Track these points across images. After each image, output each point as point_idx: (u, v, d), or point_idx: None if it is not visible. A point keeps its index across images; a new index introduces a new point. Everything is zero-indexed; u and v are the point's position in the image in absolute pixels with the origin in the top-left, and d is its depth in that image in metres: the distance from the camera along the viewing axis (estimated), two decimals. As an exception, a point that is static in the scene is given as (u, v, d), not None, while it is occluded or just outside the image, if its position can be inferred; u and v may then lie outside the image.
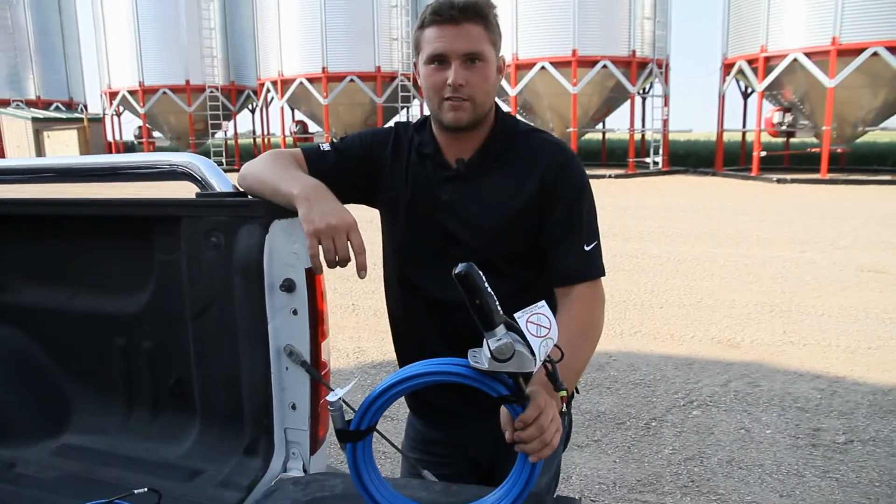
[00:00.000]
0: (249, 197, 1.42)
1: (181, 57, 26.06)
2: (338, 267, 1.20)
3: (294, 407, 1.45)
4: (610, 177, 19.66)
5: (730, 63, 19.73)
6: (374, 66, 22.91)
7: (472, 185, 1.42)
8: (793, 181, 17.25)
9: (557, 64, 19.61)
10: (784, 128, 19.53)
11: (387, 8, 22.95)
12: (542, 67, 19.76)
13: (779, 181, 17.36)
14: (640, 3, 19.92)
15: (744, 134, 22.29)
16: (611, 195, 15.27)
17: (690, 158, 23.86)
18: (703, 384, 4.26)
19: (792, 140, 21.59)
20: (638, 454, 3.36)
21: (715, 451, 3.38)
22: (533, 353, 0.99)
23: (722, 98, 20.62)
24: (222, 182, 1.49)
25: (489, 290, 0.99)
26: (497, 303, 0.99)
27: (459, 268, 0.97)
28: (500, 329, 0.98)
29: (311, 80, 22.86)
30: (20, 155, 27.61)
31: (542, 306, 1.03)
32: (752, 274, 7.25)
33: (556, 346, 1.03)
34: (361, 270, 1.20)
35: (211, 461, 1.47)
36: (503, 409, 1.07)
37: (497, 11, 1.39)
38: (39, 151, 27.45)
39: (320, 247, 1.18)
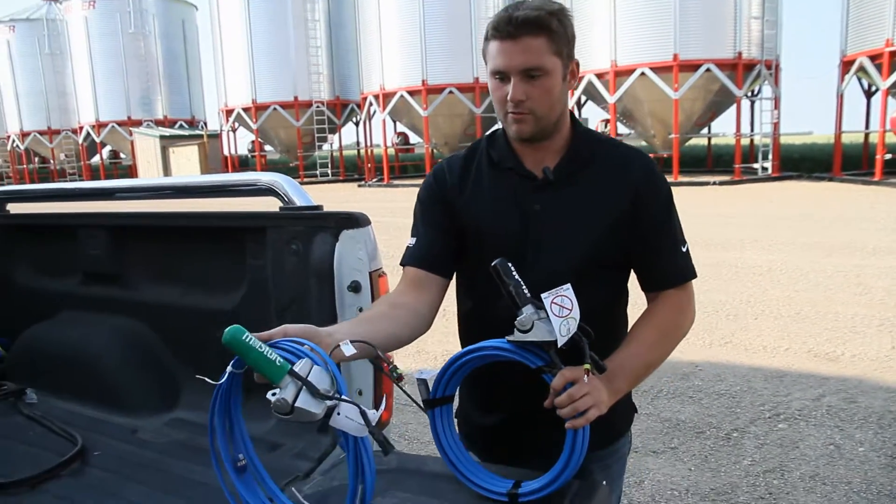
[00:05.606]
0: (323, 209, 1.65)
1: (290, 75, 27.66)
2: None
3: (360, 392, 1.66)
4: (714, 183, 18.90)
5: (849, 60, 18.47)
6: (473, 77, 23.26)
7: (563, 192, 1.39)
8: (921, 186, 15.92)
9: (658, 69, 19.12)
10: (912, 128, 18.03)
11: (484, 20, 23.07)
12: (642, 73, 19.35)
13: (905, 186, 16.07)
14: (746, 3, 19.03)
15: (866, 135, 20.74)
16: (713, 203, 14.73)
17: (806, 163, 22.47)
18: (793, 397, 4.13)
19: (922, 141, 19.89)
20: (715, 463, 3.34)
21: (798, 465, 3.30)
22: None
23: (840, 98, 19.33)
24: (301, 197, 1.73)
25: (517, 277, 1.19)
26: (524, 287, 1.18)
27: (495, 262, 1.19)
28: (528, 308, 1.16)
29: (411, 93, 23.54)
30: (150, 169, 30.23)
31: (566, 289, 1.17)
32: (863, 285, 6.84)
33: (583, 325, 1.17)
34: None
35: (290, 436, 1.71)
36: None
37: (567, 14, 1.33)
38: (166, 166, 29.93)
39: None
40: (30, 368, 2.42)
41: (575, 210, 1.39)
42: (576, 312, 1.16)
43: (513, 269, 1.19)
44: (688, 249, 1.44)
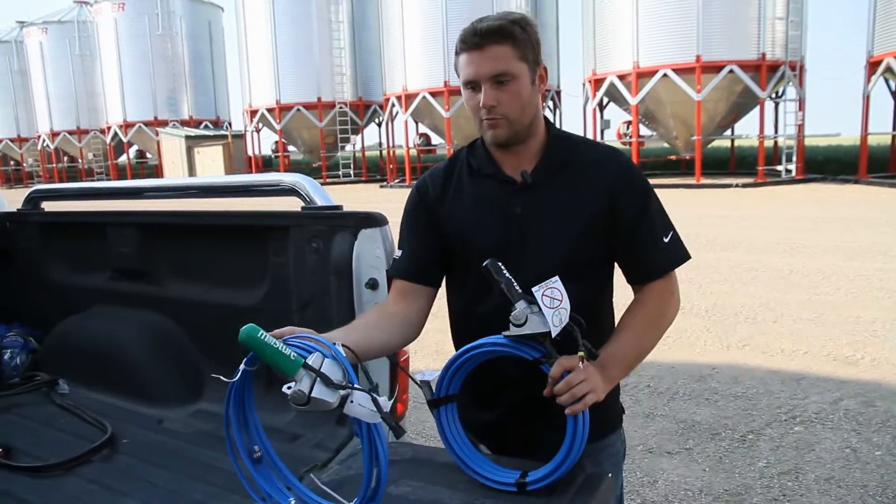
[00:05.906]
0: (343, 209, 1.72)
1: (314, 76, 27.93)
2: None
3: (377, 387, 1.72)
4: (737, 186, 18.71)
5: (876, 61, 18.18)
6: (493, 78, 23.27)
7: (542, 194, 1.44)
8: (951, 189, 15.62)
9: (681, 70, 18.99)
10: (941, 130, 17.70)
11: (506, 21, 23.27)
12: (665, 75, 19.23)
13: (933, 189, 15.78)
14: (770, 3, 18.82)
15: (894, 137, 20.40)
16: (736, 206, 14.60)
17: (831, 165, 22.13)
18: (810, 400, 4.12)
19: (952, 144, 19.49)
20: (729, 465, 3.35)
21: (814, 467, 3.30)
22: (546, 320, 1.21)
23: (867, 99, 19.03)
24: (322, 197, 1.80)
25: (508, 275, 1.26)
26: (516, 285, 1.26)
27: (486, 262, 1.27)
28: (520, 303, 1.23)
29: (433, 94, 23.63)
30: (175, 169, 30.70)
31: (555, 281, 1.24)
32: (885, 289, 6.76)
33: (574, 315, 1.23)
34: None
35: (309, 428, 1.78)
36: None
37: (529, 22, 1.41)
38: (191, 165, 30.36)
39: None
40: (62, 360, 2.53)
41: (554, 211, 1.44)
42: (566, 303, 1.23)
43: (503, 268, 1.27)
44: (673, 235, 1.47)
